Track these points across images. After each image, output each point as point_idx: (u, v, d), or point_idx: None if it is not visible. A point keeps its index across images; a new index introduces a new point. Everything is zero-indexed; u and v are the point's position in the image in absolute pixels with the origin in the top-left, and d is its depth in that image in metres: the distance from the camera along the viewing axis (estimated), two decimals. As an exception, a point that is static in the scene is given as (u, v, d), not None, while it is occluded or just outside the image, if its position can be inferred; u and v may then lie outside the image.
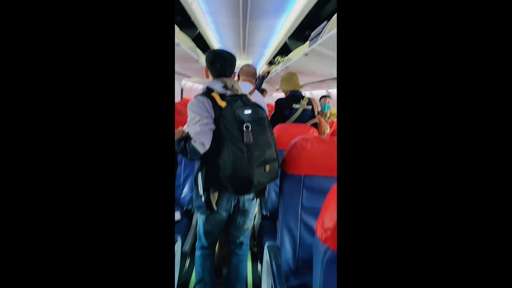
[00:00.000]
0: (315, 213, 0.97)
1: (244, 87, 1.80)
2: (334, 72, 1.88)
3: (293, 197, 1.03)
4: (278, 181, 1.68)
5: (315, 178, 1.01)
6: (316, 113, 1.83)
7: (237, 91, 0.98)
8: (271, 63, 4.31)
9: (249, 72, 1.85)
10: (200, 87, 5.79)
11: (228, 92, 0.96)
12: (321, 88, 3.13)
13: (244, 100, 0.96)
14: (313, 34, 1.32)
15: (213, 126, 0.89)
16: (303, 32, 2.34)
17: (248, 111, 0.91)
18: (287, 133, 1.54)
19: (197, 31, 2.46)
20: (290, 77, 1.87)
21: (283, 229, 1.04)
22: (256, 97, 1.79)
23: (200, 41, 2.94)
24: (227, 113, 0.88)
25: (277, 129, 1.57)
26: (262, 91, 2.04)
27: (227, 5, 2.09)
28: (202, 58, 2.87)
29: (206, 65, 1.04)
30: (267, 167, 0.92)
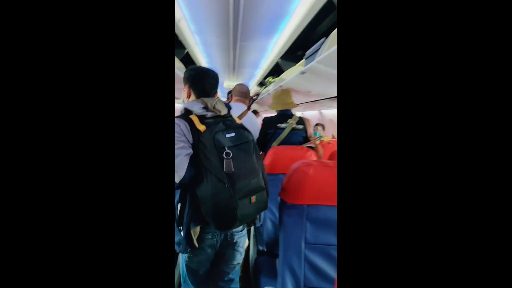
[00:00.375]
0: (322, 251, 0.86)
1: (237, 108, 1.71)
2: (331, 91, 1.82)
3: (295, 231, 0.89)
4: (274, 209, 1.52)
5: (320, 208, 0.88)
6: (309, 133, 1.73)
7: (220, 111, 0.87)
8: (262, 84, 4.31)
9: (242, 92, 1.77)
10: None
11: (209, 114, 0.86)
12: (313, 108, 3.09)
13: (227, 122, 0.86)
14: (309, 52, 1.26)
15: (190, 151, 0.79)
16: (295, 52, 2.32)
17: (230, 135, 0.82)
18: (283, 156, 1.43)
19: (185, 51, 2.40)
20: (279, 94, 1.78)
21: (284, 270, 0.90)
22: (249, 119, 1.70)
23: (189, 62, 2.88)
24: (206, 138, 0.78)
25: (271, 152, 1.45)
26: (255, 113, 1.94)
27: (216, 25, 2.06)
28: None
29: (187, 83, 0.95)
30: (253, 198, 0.81)
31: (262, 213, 1.52)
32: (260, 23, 1.96)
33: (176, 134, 0.79)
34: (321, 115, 3.67)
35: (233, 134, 0.82)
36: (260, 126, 1.78)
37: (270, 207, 1.41)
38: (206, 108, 0.86)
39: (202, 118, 0.84)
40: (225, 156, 0.76)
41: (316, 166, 0.91)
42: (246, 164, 0.80)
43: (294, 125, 1.67)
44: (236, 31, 2.08)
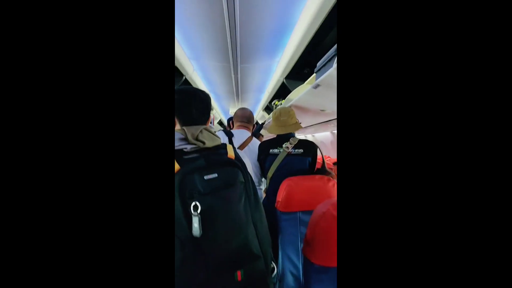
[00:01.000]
0: None
1: (240, 134, 1.49)
2: None
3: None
4: (295, 257, 1.25)
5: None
6: (321, 159, 1.46)
7: (203, 143, 0.66)
8: (268, 108, 4.15)
9: (245, 117, 1.58)
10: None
11: (188, 147, 0.65)
12: (327, 129, 2.85)
13: (211, 158, 0.64)
14: (320, 62, 1.06)
15: None
16: (301, 70, 2.15)
17: (211, 176, 0.61)
18: (299, 189, 1.17)
19: (183, 78, 2.27)
20: (277, 115, 1.48)
21: None
22: (254, 147, 1.49)
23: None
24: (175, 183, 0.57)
25: (285, 185, 1.20)
26: (258, 136, 1.69)
27: (213, 48, 1.93)
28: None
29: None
30: (239, 274, 0.57)
31: (280, 264, 1.22)
32: (260, 41, 1.81)
33: None
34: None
35: (215, 175, 0.61)
36: None
37: (290, 256, 1.13)
38: (185, 139, 0.65)
39: (179, 153, 0.63)
40: (192, 211, 0.54)
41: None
42: (227, 221, 0.58)
43: (290, 150, 1.39)
44: (235, 52, 1.94)
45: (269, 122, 2.94)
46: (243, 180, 0.65)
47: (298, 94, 1.88)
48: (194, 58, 2.13)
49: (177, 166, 0.59)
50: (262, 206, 0.68)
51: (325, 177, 1.22)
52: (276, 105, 3.12)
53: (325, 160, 1.50)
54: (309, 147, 1.40)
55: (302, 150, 1.39)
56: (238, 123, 1.59)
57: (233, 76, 2.49)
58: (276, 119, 1.49)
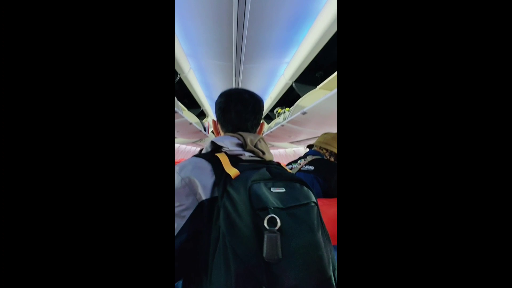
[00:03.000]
0: None
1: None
2: None
3: None
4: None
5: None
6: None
7: (263, 153, 0.62)
8: (268, 117, 3.95)
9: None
10: (191, 149, 5.21)
11: (247, 154, 0.60)
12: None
13: (273, 170, 0.56)
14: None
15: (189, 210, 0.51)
16: (313, 73, 1.97)
17: (278, 189, 0.51)
18: (331, 217, 0.96)
19: (178, 77, 2.05)
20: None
21: None
22: None
23: (181, 88, 2.53)
24: (237, 190, 0.48)
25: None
26: None
27: (216, 44, 1.73)
28: (184, 111, 2.43)
29: (216, 114, 0.71)
30: None
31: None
32: (271, 36, 1.62)
33: (176, 190, 0.52)
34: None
35: (282, 189, 0.52)
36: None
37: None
38: (243, 145, 0.62)
39: (235, 160, 0.57)
40: (267, 226, 0.44)
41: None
42: (308, 246, 0.47)
43: (302, 166, 1.24)
44: (241, 49, 1.75)
45: (271, 132, 2.74)
46: (315, 201, 0.55)
47: (311, 101, 1.69)
48: (191, 55, 1.92)
49: (235, 170, 0.52)
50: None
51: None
52: (279, 113, 2.92)
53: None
54: (324, 167, 1.21)
55: (312, 168, 1.21)
56: None
57: (234, 78, 2.29)
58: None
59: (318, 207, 0.55)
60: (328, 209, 0.95)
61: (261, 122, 0.72)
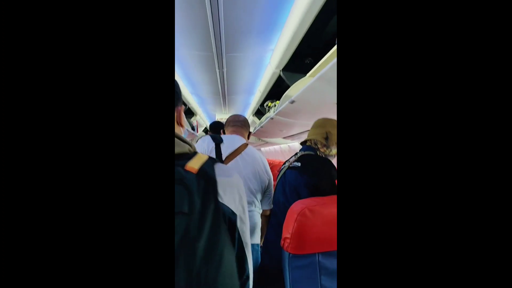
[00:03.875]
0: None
1: (231, 140, 1.16)
2: None
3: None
4: None
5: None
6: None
7: None
8: (259, 112, 3.82)
9: (238, 121, 1.31)
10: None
11: None
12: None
13: None
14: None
15: None
16: (301, 60, 1.84)
17: None
18: (317, 219, 0.83)
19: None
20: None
21: None
22: (250, 155, 1.19)
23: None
24: None
25: (295, 212, 0.85)
26: (249, 136, 1.48)
27: (192, 33, 1.59)
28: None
29: None
30: None
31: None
32: (250, 23, 1.49)
33: None
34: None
35: None
36: (265, 163, 1.24)
37: None
38: None
39: None
40: None
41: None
42: None
43: (292, 163, 1.14)
44: (219, 38, 1.62)
45: (262, 127, 2.61)
46: (185, 210, 0.46)
47: (299, 90, 1.56)
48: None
49: None
50: (224, 261, 0.49)
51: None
52: (270, 107, 2.79)
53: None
54: (311, 162, 1.09)
55: (299, 164, 1.10)
56: (230, 128, 1.31)
57: (218, 70, 2.16)
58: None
59: (189, 218, 0.46)
60: (322, 210, 0.83)
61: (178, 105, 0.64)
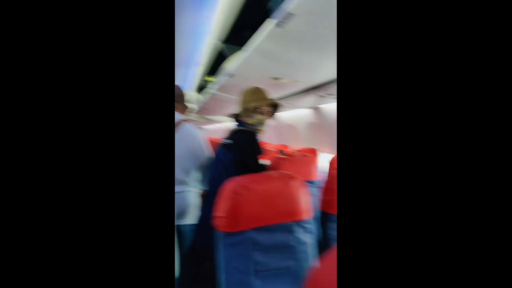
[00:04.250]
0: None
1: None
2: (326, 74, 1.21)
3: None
4: None
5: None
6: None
7: None
8: (202, 88, 3.65)
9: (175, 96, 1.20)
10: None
11: None
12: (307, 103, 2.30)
13: None
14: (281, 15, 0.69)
15: None
16: (239, 33, 1.76)
17: None
18: (251, 196, 0.81)
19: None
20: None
21: None
22: (187, 133, 1.16)
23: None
24: None
25: (227, 190, 0.81)
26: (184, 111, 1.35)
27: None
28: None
29: None
30: None
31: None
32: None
33: None
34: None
35: None
36: (202, 142, 1.18)
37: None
38: None
39: None
40: None
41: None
42: None
43: (224, 140, 1.11)
44: None
45: (204, 104, 2.49)
46: None
47: (234, 64, 1.49)
48: None
49: None
50: None
51: (285, 174, 0.88)
52: (208, 82, 2.66)
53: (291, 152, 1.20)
54: (239, 139, 1.06)
55: (230, 141, 1.07)
56: None
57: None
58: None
59: None
60: (255, 187, 0.80)
61: None
